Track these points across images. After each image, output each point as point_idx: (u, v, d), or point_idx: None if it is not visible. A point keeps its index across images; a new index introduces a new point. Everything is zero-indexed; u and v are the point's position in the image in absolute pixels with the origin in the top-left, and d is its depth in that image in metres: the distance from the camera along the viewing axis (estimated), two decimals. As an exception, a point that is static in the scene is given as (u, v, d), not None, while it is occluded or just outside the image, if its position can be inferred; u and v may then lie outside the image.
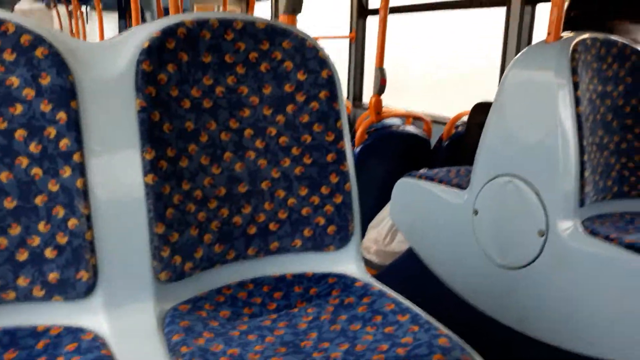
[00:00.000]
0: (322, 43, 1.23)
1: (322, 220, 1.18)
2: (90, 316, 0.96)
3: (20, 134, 0.93)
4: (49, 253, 0.93)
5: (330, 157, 1.19)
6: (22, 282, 0.92)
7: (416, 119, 2.92)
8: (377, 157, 2.53)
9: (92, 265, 0.95)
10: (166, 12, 4.18)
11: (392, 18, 2.74)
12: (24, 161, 0.93)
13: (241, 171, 1.13)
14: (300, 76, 1.17)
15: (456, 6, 3.11)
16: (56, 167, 0.94)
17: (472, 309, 1.72)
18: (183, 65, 1.07)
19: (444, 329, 0.94)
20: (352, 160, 1.22)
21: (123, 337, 0.93)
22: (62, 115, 0.94)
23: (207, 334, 0.93)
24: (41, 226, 0.93)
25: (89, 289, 0.95)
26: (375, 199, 2.44)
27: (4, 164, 0.92)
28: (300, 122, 1.17)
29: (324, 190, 1.18)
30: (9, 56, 0.92)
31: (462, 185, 1.79)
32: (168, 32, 1.05)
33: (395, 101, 3.38)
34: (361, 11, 3.81)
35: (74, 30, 8.99)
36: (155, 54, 1.03)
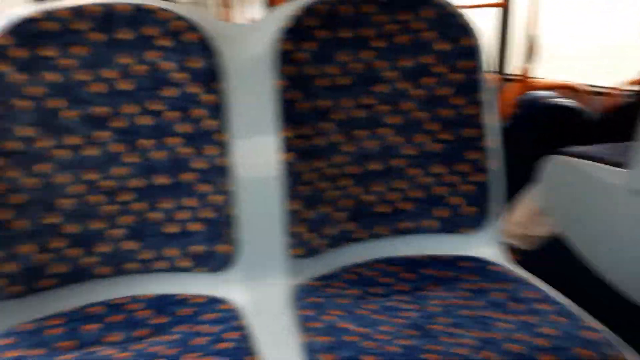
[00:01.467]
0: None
1: (458, 201, 1.12)
2: (229, 288, 1.02)
3: (171, 115, 1.01)
4: (194, 227, 1.01)
5: (469, 132, 1.12)
6: (170, 253, 1.01)
7: (570, 90, 2.65)
8: (525, 132, 2.35)
9: (232, 240, 1.02)
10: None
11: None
12: (174, 140, 1.01)
13: (374, 148, 1.11)
14: (440, 46, 1.11)
15: None
16: (202, 146, 1.01)
17: (630, 305, 1.53)
18: (321, 42, 1.07)
19: (594, 322, 0.85)
20: (498, 136, 1.14)
21: (257, 309, 0.99)
22: (209, 98, 1.01)
23: (337, 312, 0.94)
24: (188, 201, 1.02)
25: (229, 262, 1.02)
26: (520, 177, 2.27)
27: (157, 143, 1.01)
28: (438, 96, 1.12)
29: (463, 168, 1.12)
30: (163, 42, 1.00)
31: (623, 164, 1.59)
32: (308, 10, 1.06)
33: (546, 71, 3.10)
34: (511, -26, 3.52)
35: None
36: (294, 33, 1.05)
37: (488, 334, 0.87)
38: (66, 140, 0.97)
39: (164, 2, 1.04)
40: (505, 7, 3.64)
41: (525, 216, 2.14)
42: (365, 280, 1.06)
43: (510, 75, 3.70)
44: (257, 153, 1.05)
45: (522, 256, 2.07)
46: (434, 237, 1.14)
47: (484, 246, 1.13)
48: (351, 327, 0.89)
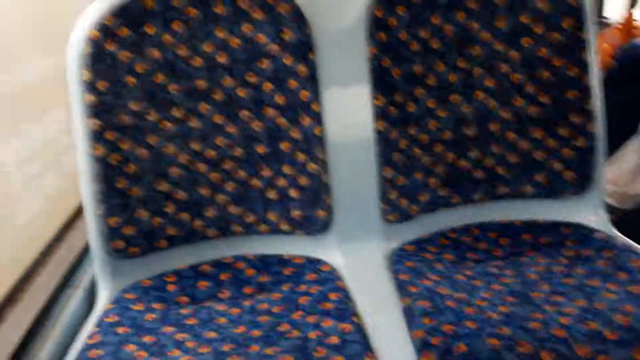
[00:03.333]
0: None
1: (558, 165, 1.09)
2: (326, 250, 1.07)
3: (267, 86, 1.04)
4: (292, 193, 1.05)
5: (571, 95, 1.07)
6: (271, 217, 1.06)
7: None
8: (625, 85, 2.18)
9: (328, 205, 1.05)
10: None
11: None
12: (271, 111, 1.04)
13: (468, 113, 1.09)
14: (540, 4, 1.05)
15: None
16: (297, 116, 1.04)
17: None
18: (412, 6, 1.05)
19: None
20: (600, 97, 1.08)
21: (355, 272, 1.02)
22: (302, 68, 1.02)
23: (433, 276, 0.96)
24: (286, 169, 1.05)
25: (326, 226, 1.06)
26: (619, 131, 2.13)
27: (256, 114, 1.04)
28: (537, 57, 1.07)
29: (563, 132, 1.08)
30: (257, 15, 1.02)
31: None
32: None
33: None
34: None
35: None
36: None
37: (593, 304, 0.86)
38: (172, 113, 1.02)
39: None
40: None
41: (624, 173, 2.02)
42: (461, 245, 1.06)
43: (609, 20, 3.41)
44: (350, 121, 1.06)
45: (619, 216, 1.97)
46: (532, 203, 1.11)
47: (585, 212, 1.09)
48: (450, 292, 0.91)
